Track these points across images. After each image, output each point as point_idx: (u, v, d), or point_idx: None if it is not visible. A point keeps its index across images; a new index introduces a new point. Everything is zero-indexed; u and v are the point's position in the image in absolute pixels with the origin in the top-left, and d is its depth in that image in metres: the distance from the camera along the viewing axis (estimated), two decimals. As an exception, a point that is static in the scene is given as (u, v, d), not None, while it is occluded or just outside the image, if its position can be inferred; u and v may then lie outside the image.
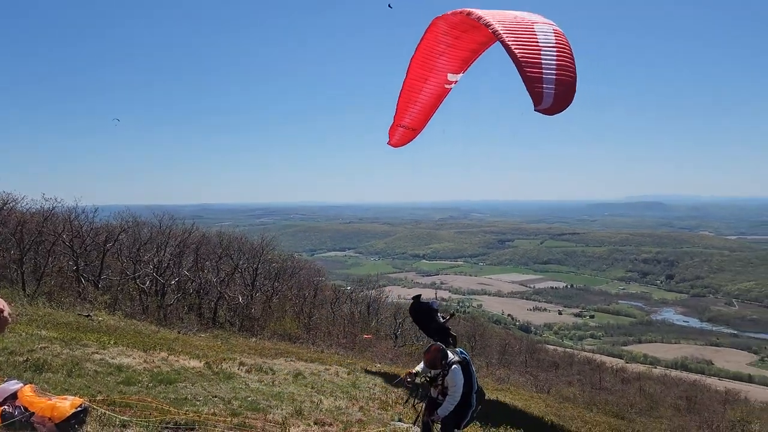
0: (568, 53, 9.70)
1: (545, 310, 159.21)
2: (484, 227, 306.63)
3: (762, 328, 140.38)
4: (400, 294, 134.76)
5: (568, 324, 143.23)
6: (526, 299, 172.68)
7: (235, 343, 21.93)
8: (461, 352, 8.63)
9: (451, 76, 13.77)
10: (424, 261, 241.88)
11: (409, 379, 8.60)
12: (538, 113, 9.57)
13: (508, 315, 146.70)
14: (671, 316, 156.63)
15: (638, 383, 41.19)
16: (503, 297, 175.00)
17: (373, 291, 44.14)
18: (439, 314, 13.94)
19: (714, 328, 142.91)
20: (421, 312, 14.08)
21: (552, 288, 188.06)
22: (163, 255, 28.66)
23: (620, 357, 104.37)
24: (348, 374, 17.54)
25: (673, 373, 77.27)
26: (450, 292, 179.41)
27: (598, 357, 69.54)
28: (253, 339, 24.01)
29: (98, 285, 26.34)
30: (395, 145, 14.83)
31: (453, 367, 8.19)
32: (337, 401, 13.45)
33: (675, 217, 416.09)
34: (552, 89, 9.01)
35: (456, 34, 13.02)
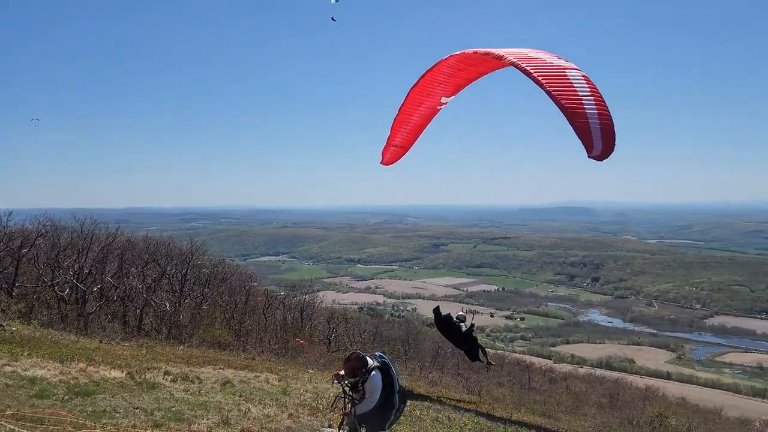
0: (602, 100, 10.80)
1: (478, 312, 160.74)
2: (419, 231, 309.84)
3: (679, 328, 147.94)
4: (334, 299, 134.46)
5: (499, 326, 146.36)
6: (460, 302, 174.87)
7: (161, 351, 21.20)
8: (381, 357, 8.74)
9: (443, 99, 14.53)
10: (359, 265, 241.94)
11: (336, 381, 8.76)
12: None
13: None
14: (597, 317, 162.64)
15: (565, 383, 42.52)
16: (437, 300, 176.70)
17: (307, 296, 43.69)
18: (461, 324, 14.36)
19: (636, 328, 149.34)
20: (444, 324, 14.55)
21: (484, 291, 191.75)
22: (85, 261, 27.36)
23: (549, 357, 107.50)
24: (279, 381, 17.24)
25: (598, 371, 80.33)
26: (385, 296, 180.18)
27: (527, 358, 71.35)
28: (181, 347, 23.28)
29: (12, 293, 24.90)
30: (387, 164, 15.69)
31: (372, 373, 8.37)
32: (266, 409, 13.18)
33: (600, 222, 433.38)
34: (600, 138, 10.16)
35: (462, 67, 13.73)
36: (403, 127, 15.04)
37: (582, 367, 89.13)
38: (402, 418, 13.42)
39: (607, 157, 10.70)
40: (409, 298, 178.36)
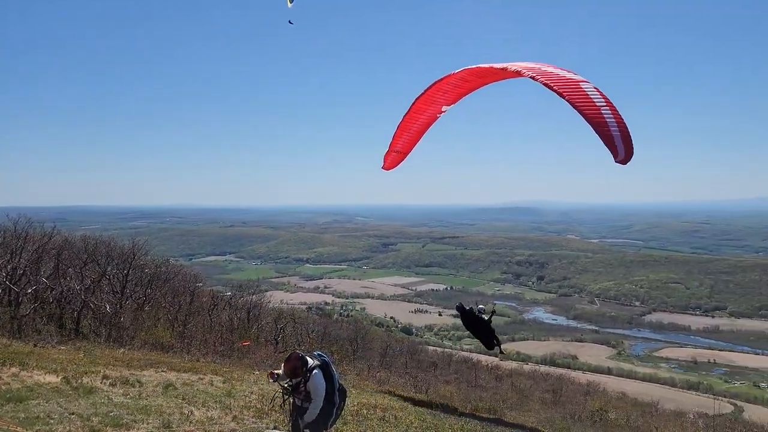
0: (615, 109, 11.90)
1: (426, 311, 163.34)
2: (369, 231, 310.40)
3: (619, 324, 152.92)
4: (282, 299, 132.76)
5: (447, 325, 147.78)
6: (408, 301, 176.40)
7: (100, 354, 20.51)
8: (320, 355, 8.74)
9: (444, 107, 15.10)
10: (308, 265, 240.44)
11: (272, 380, 8.77)
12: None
13: (391, 317, 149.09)
14: (541, 314, 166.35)
15: (510, 379, 43.28)
16: (386, 300, 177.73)
17: (254, 296, 43.00)
18: (482, 315, 14.98)
19: (578, 325, 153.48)
20: (469, 319, 15.14)
21: (433, 290, 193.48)
22: (18, 261, 26.17)
23: (495, 355, 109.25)
24: (223, 383, 16.92)
25: (542, 368, 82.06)
26: (333, 296, 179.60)
27: (474, 356, 72.23)
28: (121, 350, 22.57)
29: (-61, 295, 23.62)
30: (387, 168, 16.41)
31: (314, 372, 8.34)
32: (210, 411, 12.91)
33: (546, 222, 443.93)
34: (622, 144, 11.40)
35: (471, 78, 14.31)
36: (405, 134, 15.56)
37: (527, 364, 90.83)
38: (349, 417, 13.41)
39: (628, 161, 11.96)
40: (358, 297, 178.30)
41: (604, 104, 11.83)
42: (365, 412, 14.65)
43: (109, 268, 30.80)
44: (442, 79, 14.67)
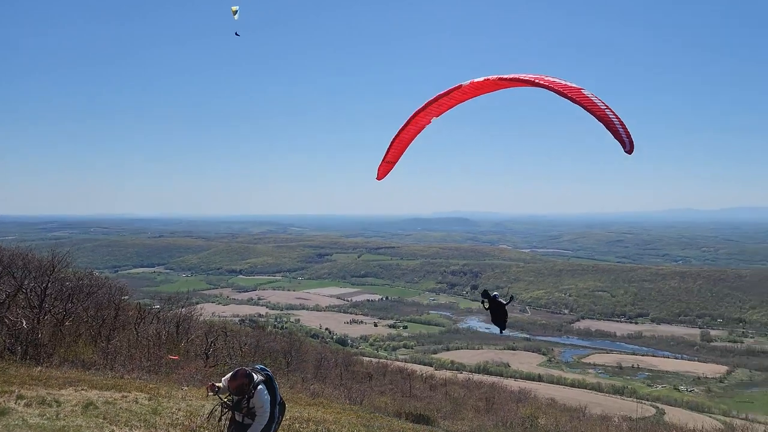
0: (610, 108, 12.96)
1: (362, 322, 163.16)
2: (303, 241, 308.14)
3: (549, 332, 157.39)
4: (214, 311, 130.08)
5: (383, 335, 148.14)
6: (344, 312, 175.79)
7: (15, 373, 19.26)
8: (263, 369, 8.52)
9: (433, 119, 15.89)
10: (241, 276, 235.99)
11: (211, 393, 8.45)
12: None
13: (326, 329, 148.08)
14: (475, 323, 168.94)
15: (444, 388, 43.65)
16: (321, 311, 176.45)
17: (184, 309, 41.67)
18: (501, 300, 15.63)
19: (511, 334, 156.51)
20: (493, 303, 15.70)
21: (368, 300, 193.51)
22: (-76, 274, 24.39)
23: (430, 364, 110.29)
24: (149, 400, 16.19)
25: (476, 376, 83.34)
26: (267, 307, 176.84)
27: (409, 366, 72.68)
28: (38, 368, 21.27)
29: None
30: (380, 178, 17.29)
31: (259, 387, 8.10)
32: (133, 431, 12.30)
33: (479, 232, 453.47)
34: (626, 137, 12.61)
35: (467, 90, 14.88)
36: (399, 145, 16.31)
37: (461, 373, 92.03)
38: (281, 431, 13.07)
39: (633, 152, 12.98)
40: (292, 309, 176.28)
41: (604, 105, 12.95)
42: (297, 426, 14.34)
43: (26, 282, 29.07)
44: (443, 93, 15.15)
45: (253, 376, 8.17)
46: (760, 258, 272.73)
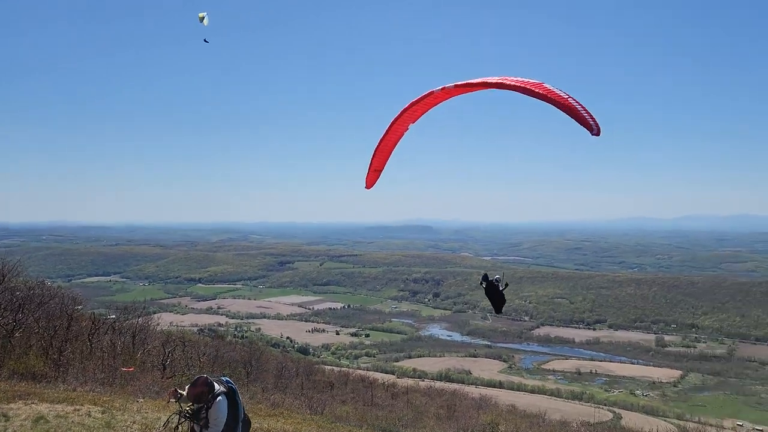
0: (572, 97, 13.28)
1: (324, 331, 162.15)
2: (265, 249, 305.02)
3: (510, 339, 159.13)
4: (172, 321, 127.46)
5: (345, 344, 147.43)
6: (305, 321, 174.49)
7: (-40, 387, 18.46)
8: (227, 381, 8.25)
9: (410, 125, 16.26)
10: (200, 285, 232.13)
11: (173, 399, 8.17)
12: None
13: (287, 338, 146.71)
14: (437, 331, 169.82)
15: (406, 396, 43.64)
16: (282, 320, 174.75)
17: (141, 319, 40.67)
18: (499, 284, 16.44)
19: (473, 341, 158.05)
20: (491, 287, 16.47)
21: (330, 309, 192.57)
22: None
23: (392, 373, 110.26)
24: (102, 413, 15.67)
25: (438, 384, 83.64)
26: (227, 316, 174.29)
27: (371, 374, 72.42)
28: (-14, 381, 20.43)
29: None
30: (369, 187, 17.51)
31: (218, 398, 7.83)
32: (85, 446, 11.87)
33: (441, 240, 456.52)
34: (593, 121, 12.86)
35: (441, 96, 15.16)
36: (382, 154, 16.76)
37: (423, 381, 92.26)
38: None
39: (600, 133, 13.27)
40: (253, 318, 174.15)
41: (567, 95, 13.36)
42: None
43: (-27, 292, 27.92)
44: (417, 100, 15.47)
45: (213, 385, 7.91)
46: (711, 265, 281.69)
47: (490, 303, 17.22)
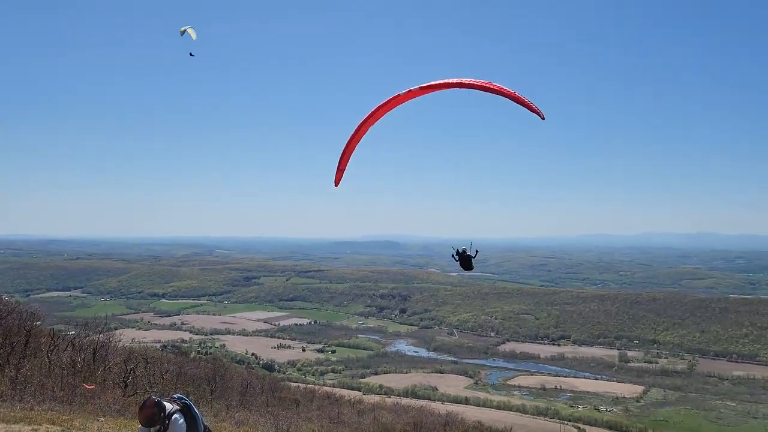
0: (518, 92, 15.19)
1: (289, 347, 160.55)
2: (230, 264, 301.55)
3: (476, 355, 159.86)
4: (134, 337, 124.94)
5: (311, 360, 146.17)
6: (271, 337, 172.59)
7: None
8: (180, 398, 8.19)
9: (370, 126, 17.45)
10: (163, 300, 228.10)
11: None
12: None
13: (252, 354, 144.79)
14: (404, 347, 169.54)
15: (373, 413, 43.38)
16: (248, 336, 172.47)
17: (102, 335, 39.63)
18: (470, 254, 17.72)
19: (439, 357, 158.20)
20: (463, 257, 17.73)
21: (296, 325, 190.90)
22: None
23: (358, 389, 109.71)
24: (61, 433, 15.27)
25: (404, 400, 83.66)
26: (191, 332, 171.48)
27: (337, 391, 72.17)
28: (-63, 400, 19.75)
29: None
30: (337, 185, 18.85)
31: (173, 416, 7.75)
32: (43, 467, 11.53)
33: (407, 255, 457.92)
34: (537, 108, 14.74)
35: (402, 98, 16.39)
36: (348, 154, 18.02)
37: (390, 397, 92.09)
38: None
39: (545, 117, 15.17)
40: (217, 333, 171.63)
41: (514, 90, 15.03)
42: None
43: (-75, 307, 26.98)
44: (382, 104, 16.59)
45: (163, 404, 7.79)
46: (671, 281, 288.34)
47: (462, 268, 18.86)
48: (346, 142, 18.19)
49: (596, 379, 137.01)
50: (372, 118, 17.57)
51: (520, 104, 14.98)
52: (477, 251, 18.49)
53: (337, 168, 18.83)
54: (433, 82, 16.03)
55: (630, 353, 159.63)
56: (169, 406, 7.86)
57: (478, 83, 15.23)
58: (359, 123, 17.84)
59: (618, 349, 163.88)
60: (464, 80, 15.51)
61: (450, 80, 15.83)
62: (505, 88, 15.09)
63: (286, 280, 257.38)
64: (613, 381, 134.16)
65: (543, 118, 15.20)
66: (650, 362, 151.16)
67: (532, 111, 14.99)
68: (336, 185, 19.39)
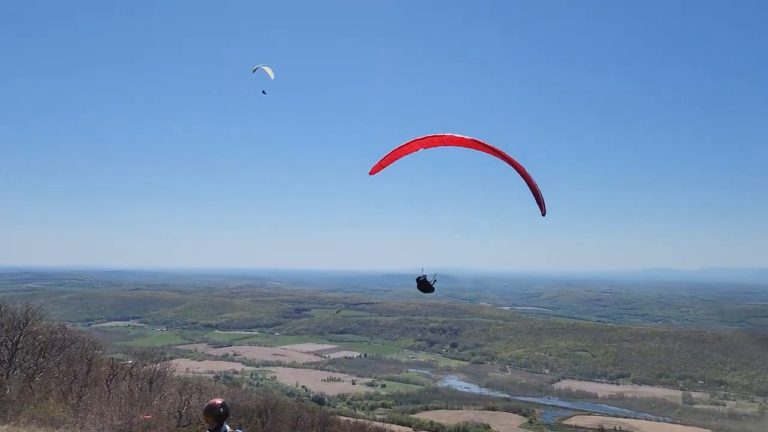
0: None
1: (339, 380, 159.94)
2: (282, 296, 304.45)
3: (530, 392, 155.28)
4: (188, 367, 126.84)
5: (361, 394, 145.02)
6: (321, 369, 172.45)
7: (-21, 432, 18.40)
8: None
9: (421, 149, 19.27)
10: (217, 331, 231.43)
11: None
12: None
13: (302, 386, 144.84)
14: (455, 382, 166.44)
15: (425, 451, 42.44)
16: (298, 368, 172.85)
17: (158, 365, 40.54)
18: (430, 282, 20.84)
19: (491, 393, 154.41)
20: (423, 284, 20.71)
21: (346, 358, 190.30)
22: None
23: (408, 425, 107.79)
24: (120, 463, 15.46)
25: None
26: (243, 363, 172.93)
27: (387, 426, 71.15)
28: (5, 426, 20.39)
29: None
30: (371, 174, 20.46)
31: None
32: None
33: (458, 288, 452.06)
34: (544, 204, 17.47)
35: (447, 141, 18.69)
36: (393, 157, 19.65)
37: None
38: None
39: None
40: (268, 365, 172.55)
41: (526, 170, 16.99)
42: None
43: (-4, 335, 28.14)
44: (434, 135, 18.67)
45: (228, 406, 8.71)
46: (738, 319, 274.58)
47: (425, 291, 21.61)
48: (399, 146, 19.62)
49: (659, 420, 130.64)
50: (425, 142, 19.04)
51: (532, 192, 17.10)
52: (435, 280, 21.54)
53: (380, 161, 20.36)
54: (485, 142, 18.09)
55: (695, 394, 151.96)
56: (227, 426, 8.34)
57: (516, 163, 17.43)
58: (415, 139, 19.37)
59: (681, 390, 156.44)
60: (506, 154, 17.69)
61: (498, 149, 17.87)
62: (531, 177, 17.27)
63: (336, 313, 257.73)
64: (677, 423, 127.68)
65: (543, 215, 17.30)
66: (717, 404, 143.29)
67: (537, 203, 17.16)
68: (370, 174, 20.92)
